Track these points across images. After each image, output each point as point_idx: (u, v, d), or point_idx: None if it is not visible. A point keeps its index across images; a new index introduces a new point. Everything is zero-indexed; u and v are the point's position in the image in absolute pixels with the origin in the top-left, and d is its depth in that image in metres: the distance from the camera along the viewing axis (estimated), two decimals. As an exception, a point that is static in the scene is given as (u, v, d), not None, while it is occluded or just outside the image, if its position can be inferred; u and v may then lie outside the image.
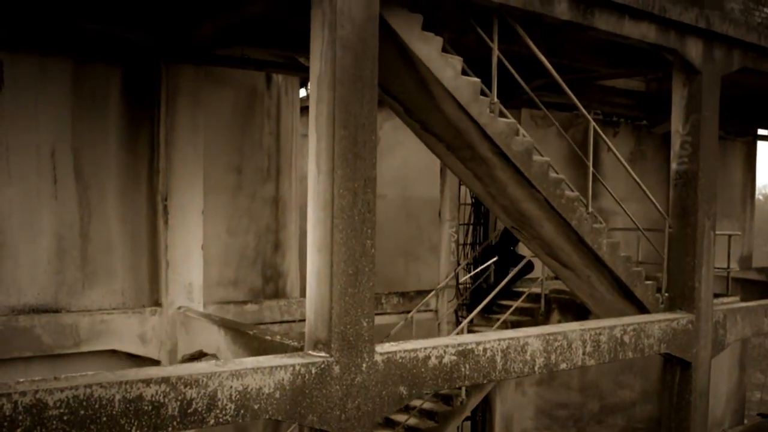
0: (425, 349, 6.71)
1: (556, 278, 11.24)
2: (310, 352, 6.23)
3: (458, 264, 11.90)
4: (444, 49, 7.19)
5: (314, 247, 6.29)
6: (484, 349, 7.11)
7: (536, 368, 7.55)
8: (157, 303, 8.87)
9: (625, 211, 8.95)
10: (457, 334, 10.63)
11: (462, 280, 11.95)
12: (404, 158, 14.57)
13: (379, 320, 10.44)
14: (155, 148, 8.84)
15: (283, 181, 10.96)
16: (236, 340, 7.66)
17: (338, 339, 6.13)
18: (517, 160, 7.69)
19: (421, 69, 7.14)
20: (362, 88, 6.17)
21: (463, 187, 11.88)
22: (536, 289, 11.09)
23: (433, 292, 11.24)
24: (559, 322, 10.81)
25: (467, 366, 7.00)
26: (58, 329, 8.20)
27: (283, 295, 10.95)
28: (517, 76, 7.83)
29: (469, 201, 12.21)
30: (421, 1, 7.06)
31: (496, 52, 7.49)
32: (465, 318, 10.65)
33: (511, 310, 10.51)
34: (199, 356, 8.50)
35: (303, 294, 12.09)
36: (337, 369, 6.10)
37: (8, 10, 7.73)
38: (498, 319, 10.64)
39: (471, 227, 12.17)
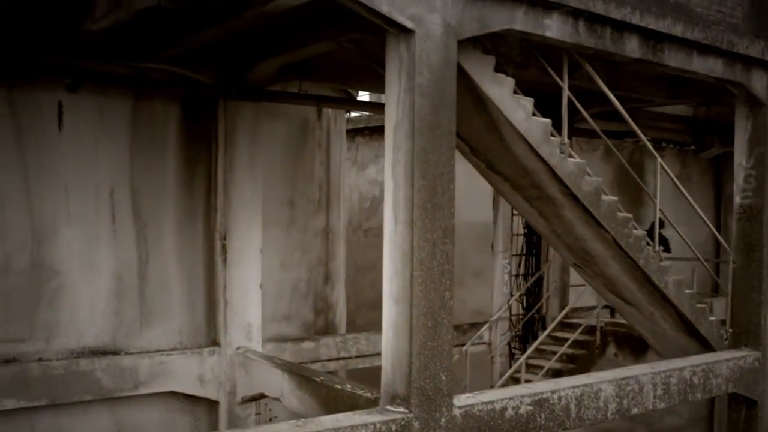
0: (502, 400, 6.56)
1: (607, 307, 11.09)
2: (387, 407, 6.08)
3: (511, 295, 11.73)
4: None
5: (391, 298, 6.15)
6: (559, 398, 6.96)
7: (609, 414, 7.38)
8: (215, 342, 8.74)
9: (685, 241, 8.72)
10: (515, 369, 10.49)
11: (514, 311, 11.78)
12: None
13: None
14: (212, 186, 8.72)
15: (332, 212, 10.83)
16: (302, 385, 7.52)
17: (418, 394, 5.99)
18: (586, 201, 7.53)
19: (492, 110, 6.99)
20: (441, 136, 6.03)
21: (515, 218, 11.72)
22: (591, 322, 10.90)
23: (486, 325, 11.08)
24: (616, 356, 10.64)
25: (542, 416, 6.84)
26: (118, 372, 8.09)
27: (333, 327, 10.82)
28: (583, 111, 7.71)
29: (521, 232, 12.04)
30: (489, 40, 6.92)
31: (566, 92, 7.35)
32: (518, 350, 10.49)
33: (569, 343, 10.34)
34: (259, 398, 8.37)
35: (350, 326, 12.02)
36: (416, 425, 5.96)
37: (69, 51, 7.64)
38: (552, 352, 10.47)
39: (523, 258, 11.99)
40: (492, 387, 10.67)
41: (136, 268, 8.42)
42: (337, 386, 7.05)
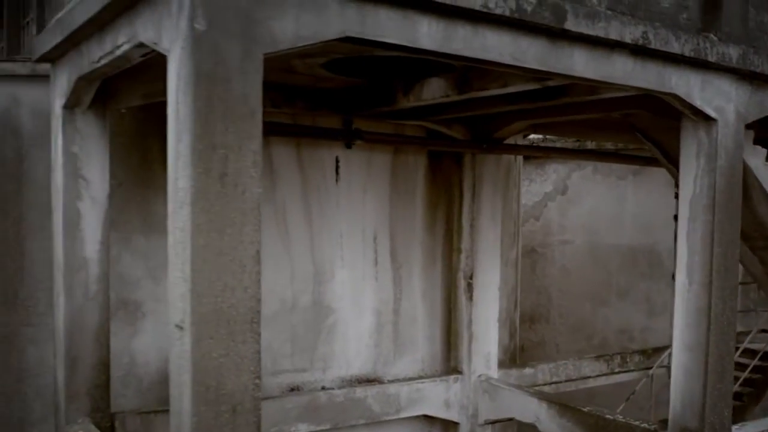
0: (771, 430, 7.56)
1: None
2: (681, 439, 7.09)
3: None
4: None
5: (683, 345, 7.14)
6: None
7: None
8: (455, 370, 9.78)
9: None
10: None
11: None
12: (592, 207, 15.39)
13: (621, 378, 11.32)
14: (453, 229, 9.74)
15: (519, 243, 11.83)
16: (563, 413, 8.50)
17: (709, 428, 6.99)
18: (815, 253, 8.49)
19: (747, 177, 7.94)
20: (733, 209, 7.00)
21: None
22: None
23: (669, 350, 12.02)
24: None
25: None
26: (384, 398, 9.13)
27: (517, 349, 11.84)
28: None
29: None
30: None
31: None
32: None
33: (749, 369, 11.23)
34: (505, 422, 9.39)
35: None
36: (709, 458, 6.96)
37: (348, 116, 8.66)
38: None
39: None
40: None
41: (392, 305, 9.46)
42: (608, 416, 8.04)
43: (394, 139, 9.13)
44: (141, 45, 5.22)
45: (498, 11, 5.32)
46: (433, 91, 7.25)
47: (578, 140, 13.41)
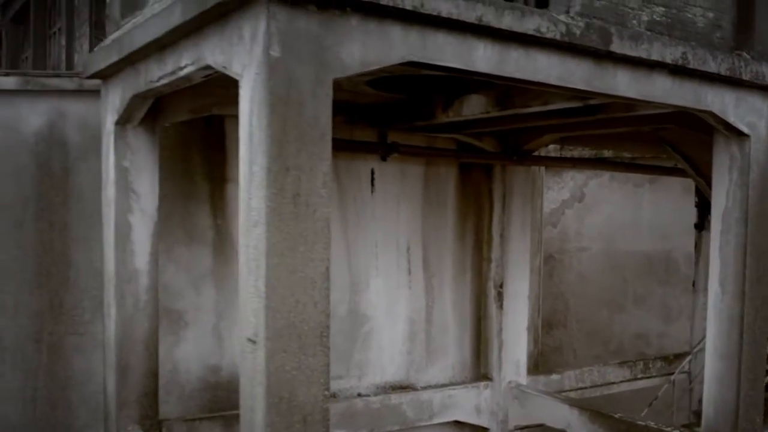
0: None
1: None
2: (710, 444, 7.32)
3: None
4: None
5: (716, 353, 7.33)
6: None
7: None
8: (485, 377, 9.99)
9: None
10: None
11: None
12: (609, 214, 15.60)
13: (642, 384, 11.54)
14: (483, 239, 9.96)
15: (542, 251, 12.06)
16: (595, 419, 8.71)
17: (741, 437, 7.22)
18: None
19: None
20: (765, 222, 7.22)
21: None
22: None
23: (690, 356, 12.28)
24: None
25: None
26: (417, 404, 9.34)
27: (539, 353, 12.07)
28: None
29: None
30: None
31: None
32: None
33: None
34: (536, 428, 9.61)
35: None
36: (744, 461, 7.18)
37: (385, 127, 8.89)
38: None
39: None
40: (693, 411, 11.87)
41: (424, 313, 9.68)
42: (639, 423, 8.25)
43: (429, 152, 9.35)
44: (207, 67, 5.43)
45: (549, 35, 5.55)
46: (473, 107, 7.47)
47: (594, 149, 13.62)
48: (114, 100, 7.22)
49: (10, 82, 8.36)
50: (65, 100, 8.40)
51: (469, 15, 5.17)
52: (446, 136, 9.33)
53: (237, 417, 8.26)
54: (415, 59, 5.12)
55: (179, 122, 8.06)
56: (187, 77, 5.83)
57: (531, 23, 5.46)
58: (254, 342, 4.82)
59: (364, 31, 4.89)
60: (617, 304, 15.54)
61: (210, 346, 8.58)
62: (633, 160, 13.37)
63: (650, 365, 12.03)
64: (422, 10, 4.96)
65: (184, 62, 5.72)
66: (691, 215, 12.66)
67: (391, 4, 4.84)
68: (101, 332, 8.42)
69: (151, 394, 7.56)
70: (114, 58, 6.72)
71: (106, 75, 7.32)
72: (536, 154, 10.13)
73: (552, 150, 13.20)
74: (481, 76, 5.54)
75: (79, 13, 14.23)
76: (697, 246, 12.37)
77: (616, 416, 8.49)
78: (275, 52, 4.58)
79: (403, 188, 9.38)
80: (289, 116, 4.66)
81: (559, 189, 15.81)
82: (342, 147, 8.76)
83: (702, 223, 12.04)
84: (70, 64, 14.80)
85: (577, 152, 14.02)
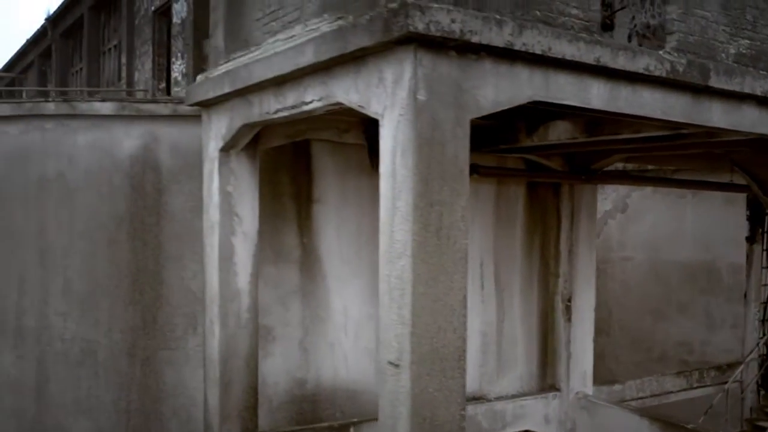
0: None
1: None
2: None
3: (759, 338, 13.13)
4: None
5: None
6: None
7: None
8: (552, 388, 10.31)
9: None
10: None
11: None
12: (652, 224, 15.90)
13: (696, 393, 11.86)
14: (550, 254, 10.28)
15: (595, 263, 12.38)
16: (665, 430, 9.04)
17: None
18: None
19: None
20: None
21: (764, 270, 13.06)
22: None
23: (742, 366, 12.58)
24: None
25: None
26: (492, 415, 9.68)
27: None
28: None
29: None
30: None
31: None
32: (763, 388, 11.98)
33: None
34: (604, 437, 9.92)
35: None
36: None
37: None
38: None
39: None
40: (745, 419, 12.18)
41: (495, 327, 10.01)
42: (712, 434, 8.56)
43: (507, 173, 9.67)
44: (336, 104, 5.77)
45: (657, 73, 5.90)
46: (559, 133, 7.78)
47: (643, 164, 13.91)
48: (219, 128, 7.56)
49: (106, 107, 8.74)
50: (159, 125, 8.76)
51: (588, 57, 5.52)
52: (516, 156, 9.66)
53: (324, 430, 8.67)
54: (540, 98, 5.47)
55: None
56: (310, 111, 6.16)
57: (641, 62, 5.81)
58: (397, 366, 5.15)
59: (497, 74, 5.24)
60: (660, 313, 15.83)
61: (296, 360, 8.91)
62: (674, 174, 13.69)
63: (705, 375, 12.35)
64: (550, 54, 5.30)
65: (309, 98, 6.05)
66: (734, 226, 12.96)
67: (522, 48, 5.18)
68: (192, 347, 8.78)
69: (251, 408, 7.90)
70: (226, 89, 7.06)
71: (210, 104, 7.66)
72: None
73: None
74: (595, 112, 5.87)
75: (140, 32, 14.58)
76: (748, 258, 12.67)
77: (689, 426, 8.80)
78: (422, 96, 4.93)
79: (477, 206, 9.70)
80: (433, 155, 5.01)
81: (602, 200, 16.10)
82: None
83: (753, 236, 12.34)
84: (130, 82, 15.17)
85: (620, 165, 14.32)
